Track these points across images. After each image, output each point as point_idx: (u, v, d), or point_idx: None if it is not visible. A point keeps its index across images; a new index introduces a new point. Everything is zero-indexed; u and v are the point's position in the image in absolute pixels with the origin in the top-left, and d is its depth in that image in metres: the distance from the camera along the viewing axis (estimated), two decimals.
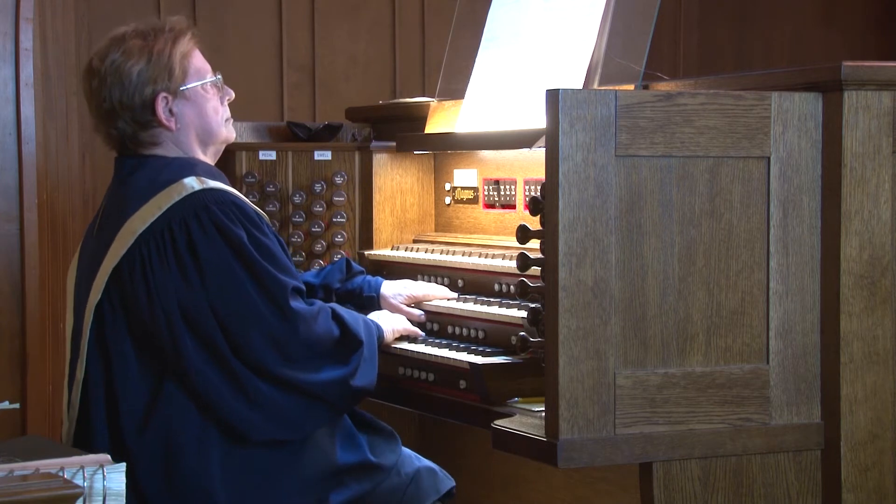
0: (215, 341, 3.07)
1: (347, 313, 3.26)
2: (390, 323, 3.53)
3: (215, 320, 3.07)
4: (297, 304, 3.13)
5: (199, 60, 3.29)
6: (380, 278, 3.75)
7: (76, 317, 3.24)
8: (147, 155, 3.26)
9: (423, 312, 3.68)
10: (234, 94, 3.37)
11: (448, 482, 3.42)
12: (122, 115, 3.22)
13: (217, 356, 3.07)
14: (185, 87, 3.24)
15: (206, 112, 3.28)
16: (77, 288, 3.28)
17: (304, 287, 3.19)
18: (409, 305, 3.70)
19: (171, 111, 3.23)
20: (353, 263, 3.79)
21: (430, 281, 3.83)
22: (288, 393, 3.10)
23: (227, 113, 3.36)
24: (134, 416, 3.10)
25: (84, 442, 3.15)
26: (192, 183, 3.15)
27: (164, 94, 3.22)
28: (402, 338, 3.59)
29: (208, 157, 3.32)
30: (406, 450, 3.41)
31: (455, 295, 3.71)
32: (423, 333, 3.61)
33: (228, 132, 3.35)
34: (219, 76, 3.33)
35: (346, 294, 3.71)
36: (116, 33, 3.26)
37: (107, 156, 3.44)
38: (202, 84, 3.28)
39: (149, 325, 3.10)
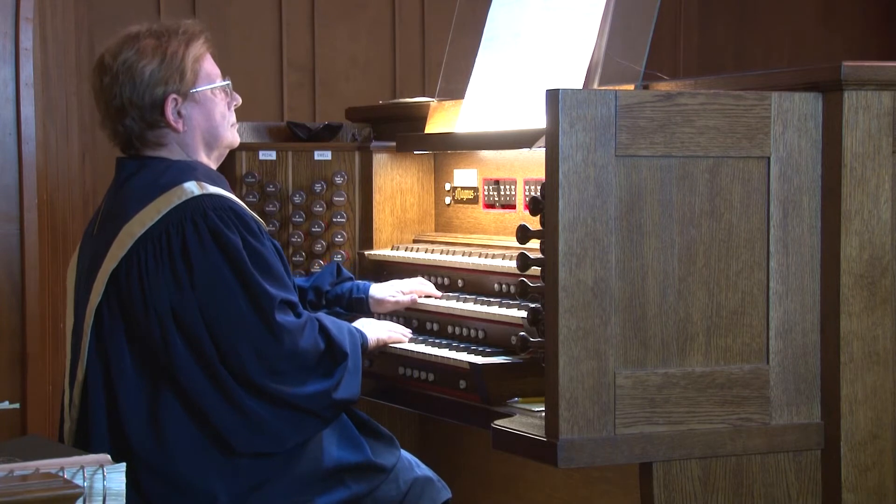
0: (203, 347, 3.07)
1: (333, 324, 3.25)
2: (375, 332, 3.53)
3: (204, 325, 3.07)
4: (284, 317, 3.12)
5: (210, 64, 3.31)
6: (368, 282, 3.76)
7: (76, 317, 3.24)
8: (149, 157, 3.26)
9: (415, 297, 3.71)
10: (241, 100, 3.39)
11: (445, 493, 3.40)
12: (131, 113, 3.23)
13: (205, 362, 3.08)
14: (195, 90, 3.25)
15: (214, 116, 3.30)
16: (77, 288, 3.28)
17: (295, 300, 3.18)
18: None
19: (179, 113, 3.24)
20: (343, 269, 3.81)
21: (430, 281, 3.83)
22: (271, 405, 3.10)
23: (234, 118, 3.37)
24: (134, 417, 3.10)
25: (84, 442, 3.16)
26: (192, 187, 3.15)
27: (174, 95, 3.23)
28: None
29: (212, 161, 3.34)
30: (406, 455, 3.40)
31: (440, 294, 3.74)
32: (409, 335, 3.61)
33: (234, 137, 3.38)
34: (228, 81, 3.34)
35: (335, 297, 3.73)
36: (130, 32, 3.27)
37: (107, 156, 3.44)
38: (212, 88, 3.29)
39: (143, 329, 3.11)
